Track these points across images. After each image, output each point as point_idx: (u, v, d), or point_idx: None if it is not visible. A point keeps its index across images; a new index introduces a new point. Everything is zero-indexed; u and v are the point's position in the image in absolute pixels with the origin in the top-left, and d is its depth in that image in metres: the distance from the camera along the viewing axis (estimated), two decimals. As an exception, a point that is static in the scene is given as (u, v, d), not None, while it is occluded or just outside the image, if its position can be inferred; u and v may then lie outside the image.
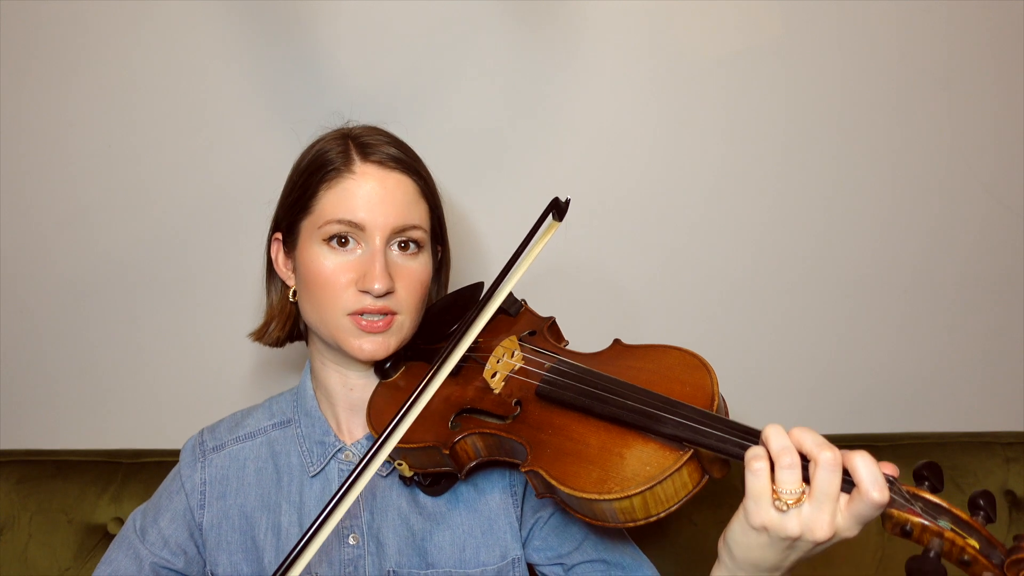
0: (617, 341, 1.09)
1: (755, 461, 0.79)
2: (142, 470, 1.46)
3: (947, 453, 1.51)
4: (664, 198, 1.59)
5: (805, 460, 0.80)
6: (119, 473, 1.46)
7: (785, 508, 0.78)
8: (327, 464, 1.13)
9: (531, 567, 1.14)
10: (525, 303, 1.21)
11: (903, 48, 1.55)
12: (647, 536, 1.43)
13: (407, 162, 1.11)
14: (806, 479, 0.79)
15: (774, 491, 0.79)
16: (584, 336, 1.22)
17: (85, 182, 1.51)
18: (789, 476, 0.79)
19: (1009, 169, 1.61)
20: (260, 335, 1.20)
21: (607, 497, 0.85)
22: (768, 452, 0.80)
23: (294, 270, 1.14)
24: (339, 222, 1.05)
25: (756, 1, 1.51)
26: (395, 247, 1.08)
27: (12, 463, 1.46)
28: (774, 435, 0.81)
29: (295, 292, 1.14)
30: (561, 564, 1.11)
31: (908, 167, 1.60)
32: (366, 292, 1.05)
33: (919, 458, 1.49)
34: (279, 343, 1.21)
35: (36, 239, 1.53)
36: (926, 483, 0.80)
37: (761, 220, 1.60)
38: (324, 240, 1.07)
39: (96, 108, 1.48)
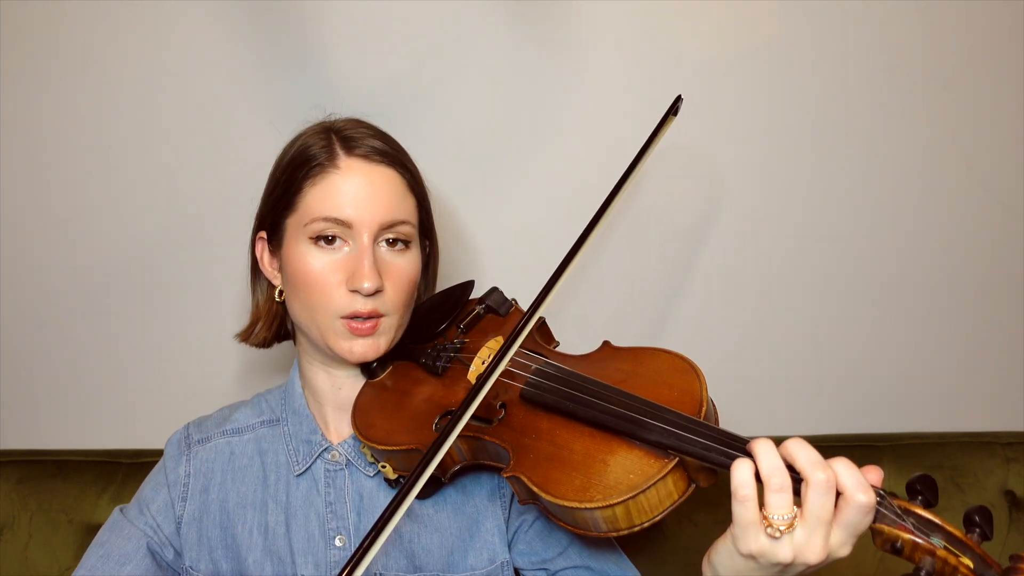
0: (606, 343, 1.07)
1: (741, 489, 0.76)
2: (142, 470, 1.45)
3: (947, 453, 1.50)
4: (663, 198, 1.59)
5: (794, 471, 0.76)
6: (119, 473, 1.46)
7: (778, 535, 0.74)
8: (313, 463, 1.12)
9: (515, 571, 1.13)
10: (515, 302, 1.19)
11: (903, 48, 1.55)
12: (646, 537, 1.43)
13: (393, 155, 1.08)
14: (796, 492, 0.76)
15: (764, 516, 0.75)
16: (578, 336, 1.22)
17: (84, 183, 1.51)
18: (780, 500, 0.75)
19: (1009, 169, 1.61)
20: (246, 336, 1.19)
21: (588, 506, 0.84)
22: (757, 470, 0.76)
23: (280, 269, 1.11)
24: (325, 220, 1.03)
25: (756, 1, 1.51)
26: (383, 244, 1.06)
27: (12, 463, 1.46)
28: (764, 453, 0.76)
29: (281, 292, 1.12)
30: (545, 569, 1.10)
31: (909, 169, 1.60)
32: (355, 292, 1.03)
33: (920, 458, 1.51)
34: (266, 344, 1.19)
35: (35, 239, 1.53)
36: (919, 498, 0.77)
37: (760, 220, 1.60)
38: (310, 238, 1.04)
39: (79, 110, 1.48)
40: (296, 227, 1.06)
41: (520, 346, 1.06)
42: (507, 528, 1.12)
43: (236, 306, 1.35)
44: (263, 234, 1.13)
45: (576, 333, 1.28)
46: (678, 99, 1.11)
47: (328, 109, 1.16)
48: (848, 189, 1.60)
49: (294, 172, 1.06)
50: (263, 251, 1.14)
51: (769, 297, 1.63)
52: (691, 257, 1.61)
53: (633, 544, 1.40)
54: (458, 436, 0.97)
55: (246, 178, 1.20)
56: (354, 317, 1.04)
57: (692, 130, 1.55)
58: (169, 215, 1.53)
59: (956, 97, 1.57)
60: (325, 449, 1.12)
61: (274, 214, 1.10)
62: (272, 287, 1.15)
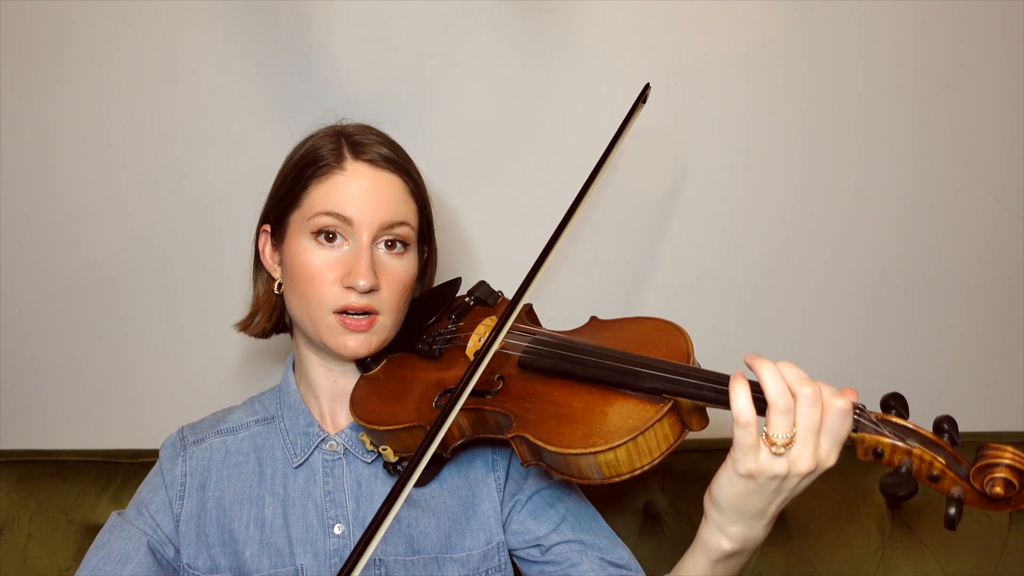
0: (593, 318, 1.12)
1: (744, 415, 0.82)
2: (142, 470, 1.45)
3: (947, 453, 1.50)
4: (660, 198, 1.59)
5: None
6: (119, 473, 1.46)
7: (782, 451, 0.81)
8: (311, 455, 1.14)
9: (509, 554, 1.15)
10: (502, 294, 1.23)
11: (904, 49, 1.55)
12: (645, 535, 1.43)
13: (398, 162, 1.13)
14: None
15: (767, 436, 0.82)
16: (564, 323, 1.23)
17: (86, 182, 1.51)
18: (785, 421, 0.81)
19: (1009, 169, 1.61)
20: (246, 326, 1.22)
21: (592, 450, 0.88)
22: (763, 392, 0.82)
23: (280, 263, 1.15)
24: (327, 214, 1.07)
25: (756, 1, 1.51)
26: (382, 246, 1.10)
27: (12, 463, 1.46)
28: (768, 376, 0.82)
29: (280, 285, 1.16)
30: (539, 546, 1.12)
31: (907, 168, 1.60)
32: (351, 288, 1.06)
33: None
34: (265, 334, 1.23)
35: (36, 239, 1.53)
36: (893, 411, 0.84)
37: (758, 219, 1.60)
38: (312, 233, 1.08)
39: (84, 110, 1.48)
40: (299, 222, 1.10)
41: (513, 326, 1.11)
42: (502, 510, 1.14)
43: (238, 309, 1.35)
44: (267, 227, 1.18)
45: (562, 320, 1.27)
46: (647, 87, 1.18)
47: (340, 113, 1.20)
48: (847, 191, 1.60)
49: (302, 170, 1.11)
50: (265, 244, 1.18)
51: (766, 296, 1.63)
52: (691, 257, 1.61)
53: (631, 543, 1.40)
54: (459, 410, 1.00)
55: (249, 179, 1.23)
56: (345, 312, 1.07)
57: (693, 129, 1.56)
58: (169, 216, 1.54)
59: (954, 95, 1.57)
60: (323, 440, 1.15)
61: (279, 209, 1.14)
62: (272, 280, 1.19)
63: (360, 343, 1.09)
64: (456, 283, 1.25)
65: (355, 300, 1.07)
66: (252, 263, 1.23)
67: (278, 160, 1.18)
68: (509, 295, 1.23)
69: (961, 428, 1.68)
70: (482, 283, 1.23)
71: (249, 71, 1.49)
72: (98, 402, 1.60)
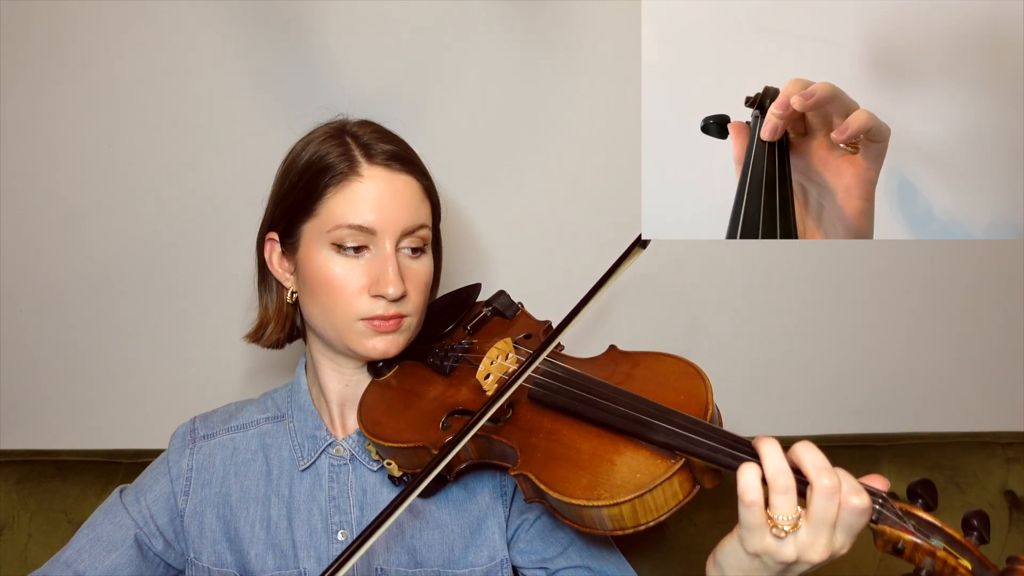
0: (612, 347, 1.08)
1: (748, 493, 0.78)
2: (142, 470, 1.46)
3: (947, 453, 1.50)
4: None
5: (798, 473, 0.78)
6: (119, 473, 1.46)
7: (783, 535, 0.77)
8: (317, 458, 1.13)
9: (514, 570, 1.13)
10: (522, 306, 1.21)
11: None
12: (646, 537, 1.43)
13: (411, 161, 1.10)
14: (800, 493, 0.78)
15: (769, 517, 0.77)
16: (581, 341, 1.22)
17: (87, 181, 1.51)
18: (785, 502, 0.77)
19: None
20: (256, 337, 1.19)
21: (596, 504, 0.85)
22: (762, 470, 0.78)
23: (293, 272, 1.12)
24: (349, 227, 1.04)
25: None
26: (404, 249, 1.08)
27: (12, 463, 1.46)
28: (769, 454, 0.79)
29: (293, 293, 1.13)
30: (545, 568, 1.10)
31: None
32: (379, 296, 1.04)
33: (920, 458, 1.51)
34: (279, 345, 1.20)
35: (37, 239, 1.53)
36: (920, 501, 0.79)
37: (761, 220, 1.60)
38: (333, 244, 1.06)
39: (86, 109, 1.48)
40: (316, 232, 1.07)
41: (527, 349, 1.09)
42: (507, 526, 1.12)
43: (240, 306, 1.35)
44: (273, 235, 1.13)
45: (582, 337, 1.27)
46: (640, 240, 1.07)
47: (337, 109, 1.17)
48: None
49: (314, 178, 1.07)
50: (272, 252, 1.14)
51: (771, 299, 1.63)
52: (695, 258, 1.61)
53: (633, 545, 1.39)
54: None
55: (252, 177, 1.21)
56: (375, 319, 1.06)
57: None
58: (170, 215, 1.53)
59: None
60: (330, 444, 1.14)
61: (289, 218, 1.10)
62: (283, 289, 1.16)
63: (389, 343, 1.07)
64: (475, 289, 1.23)
65: (383, 310, 1.05)
66: (256, 272, 1.19)
67: (280, 158, 1.15)
68: (527, 303, 1.21)
69: (961, 428, 1.70)
70: (501, 293, 1.21)
71: (250, 71, 1.48)
72: (98, 402, 1.60)
